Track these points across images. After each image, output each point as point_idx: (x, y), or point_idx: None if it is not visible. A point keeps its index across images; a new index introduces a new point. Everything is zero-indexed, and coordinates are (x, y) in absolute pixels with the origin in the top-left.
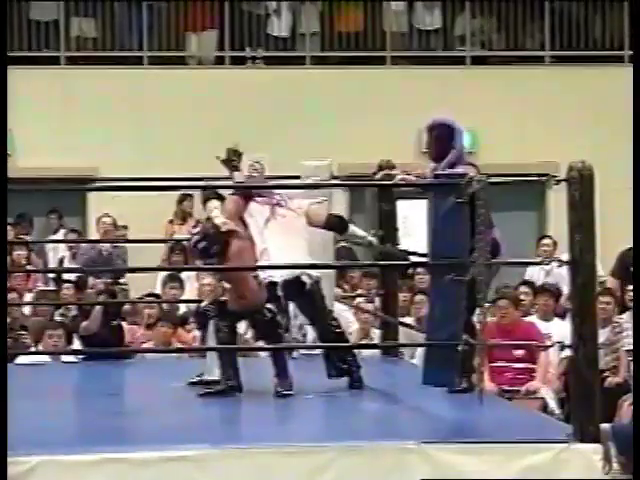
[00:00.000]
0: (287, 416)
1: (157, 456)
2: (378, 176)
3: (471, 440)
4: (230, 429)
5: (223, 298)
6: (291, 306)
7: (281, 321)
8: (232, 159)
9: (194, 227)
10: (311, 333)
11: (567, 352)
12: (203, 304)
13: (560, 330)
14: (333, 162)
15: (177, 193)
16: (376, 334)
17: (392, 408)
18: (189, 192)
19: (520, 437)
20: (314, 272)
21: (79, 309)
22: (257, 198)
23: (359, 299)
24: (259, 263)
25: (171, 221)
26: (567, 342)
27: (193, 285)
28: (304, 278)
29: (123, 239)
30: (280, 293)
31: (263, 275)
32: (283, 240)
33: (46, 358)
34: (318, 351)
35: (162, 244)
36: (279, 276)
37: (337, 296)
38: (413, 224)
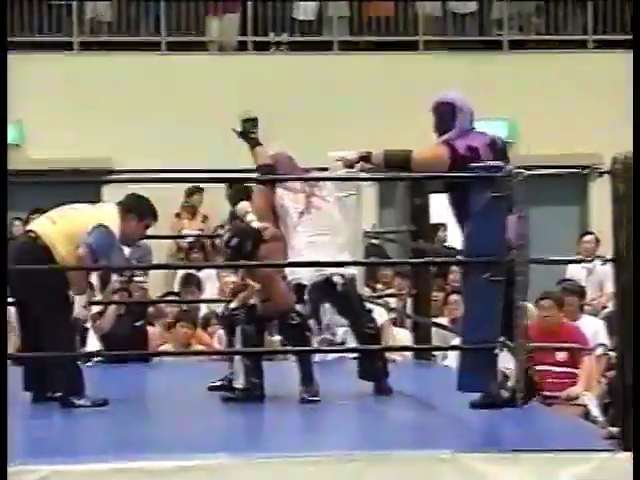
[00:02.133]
0: (313, 423)
1: (174, 465)
2: None
3: (508, 449)
4: (252, 437)
5: (251, 302)
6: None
7: (310, 325)
8: (250, 131)
9: (202, 222)
10: (340, 334)
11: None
12: (232, 305)
13: (591, 328)
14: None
15: (183, 186)
16: (403, 335)
17: (425, 415)
18: (200, 185)
19: (560, 446)
20: (349, 270)
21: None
22: (287, 183)
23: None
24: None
25: (178, 215)
26: (600, 338)
27: (214, 284)
28: (335, 279)
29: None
30: (307, 297)
31: (290, 277)
32: (315, 237)
33: None
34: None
35: (168, 241)
36: (307, 279)
37: (365, 296)
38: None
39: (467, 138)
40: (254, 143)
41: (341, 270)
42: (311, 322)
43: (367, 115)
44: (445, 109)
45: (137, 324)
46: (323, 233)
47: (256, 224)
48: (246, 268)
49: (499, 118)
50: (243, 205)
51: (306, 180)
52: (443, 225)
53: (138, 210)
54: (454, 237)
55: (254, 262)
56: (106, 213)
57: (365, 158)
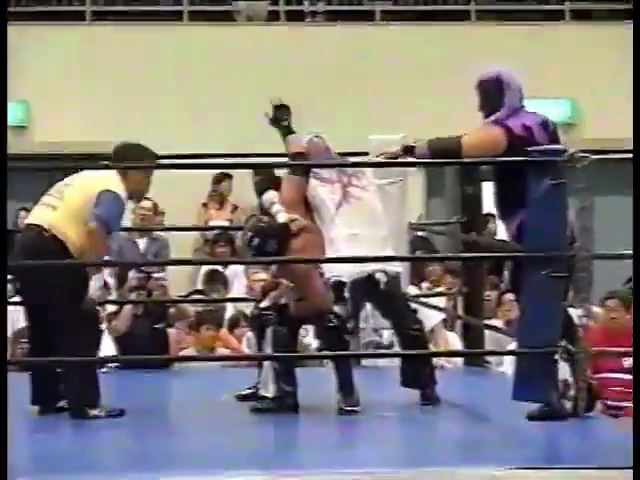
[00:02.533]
0: (352, 437)
1: None
2: None
3: (569, 466)
4: (283, 452)
5: (283, 301)
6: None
7: (350, 327)
8: (282, 118)
9: (231, 212)
10: (387, 337)
11: None
12: (262, 305)
13: None
14: (407, 136)
15: (212, 172)
16: (452, 338)
17: (476, 428)
18: (228, 171)
19: (627, 462)
20: (393, 266)
21: (117, 307)
22: (322, 174)
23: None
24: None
25: (205, 205)
26: None
27: (242, 282)
28: (378, 276)
29: (159, 227)
30: (347, 295)
31: (328, 274)
32: (355, 229)
33: None
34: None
35: (194, 233)
36: (347, 276)
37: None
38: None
39: (519, 117)
40: (286, 131)
41: (384, 266)
42: (351, 324)
43: (413, 93)
44: (491, 85)
45: (157, 326)
46: (364, 226)
47: (282, 216)
48: (278, 265)
49: (560, 96)
50: (269, 195)
51: (343, 167)
52: (493, 216)
53: (135, 157)
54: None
55: (286, 257)
56: (106, 176)
57: (408, 150)
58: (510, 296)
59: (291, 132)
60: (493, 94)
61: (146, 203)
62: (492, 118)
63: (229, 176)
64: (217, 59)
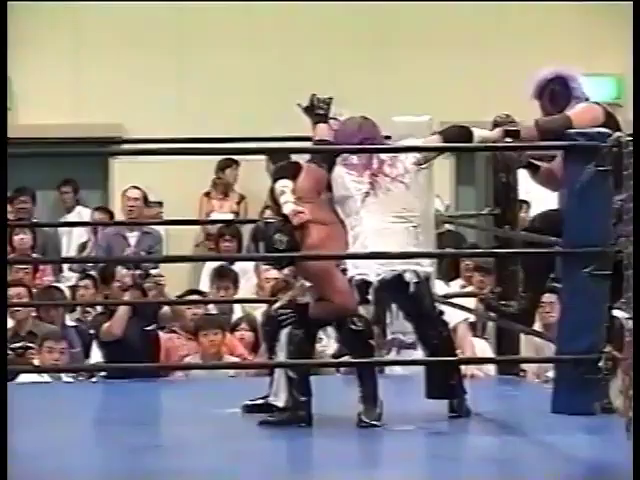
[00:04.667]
0: (372, 454)
1: None
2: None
3: None
4: (297, 471)
5: (301, 300)
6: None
7: (377, 331)
8: (319, 106)
9: (237, 203)
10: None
11: None
12: (277, 305)
13: None
14: (434, 118)
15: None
16: (481, 345)
17: (510, 444)
18: (234, 157)
19: None
20: (424, 266)
21: (104, 307)
22: (350, 160)
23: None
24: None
25: (207, 194)
26: None
27: (250, 281)
28: (408, 277)
29: (155, 220)
30: (371, 297)
31: (352, 272)
32: (384, 224)
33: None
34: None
35: (196, 227)
36: (374, 275)
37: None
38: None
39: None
40: (322, 119)
41: (415, 266)
42: (377, 328)
43: (440, 70)
44: (554, 85)
45: (148, 328)
46: (393, 220)
47: (288, 207)
48: (293, 262)
49: (604, 74)
50: (281, 183)
51: (366, 152)
52: (526, 203)
53: None
54: None
55: (300, 254)
56: None
57: (512, 134)
58: (549, 296)
59: (324, 121)
60: (559, 93)
61: (133, 192)
62: (582, 104)
63: (235, 162)
64: (221, 29)
